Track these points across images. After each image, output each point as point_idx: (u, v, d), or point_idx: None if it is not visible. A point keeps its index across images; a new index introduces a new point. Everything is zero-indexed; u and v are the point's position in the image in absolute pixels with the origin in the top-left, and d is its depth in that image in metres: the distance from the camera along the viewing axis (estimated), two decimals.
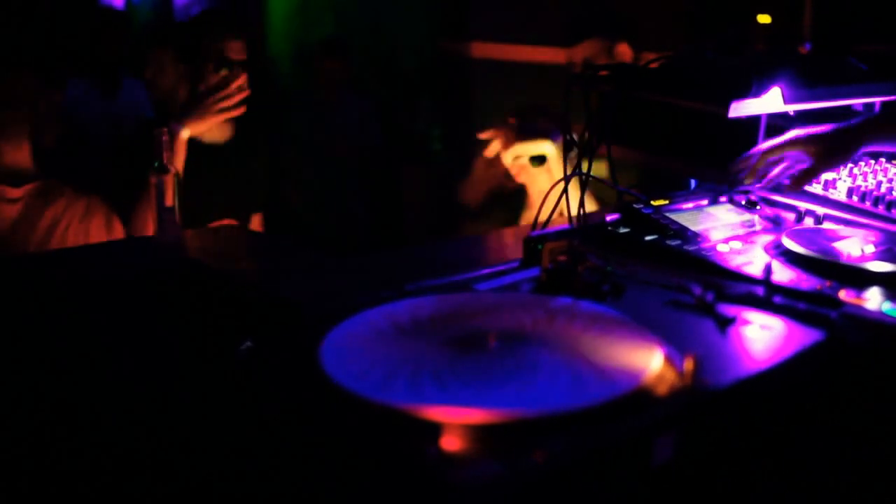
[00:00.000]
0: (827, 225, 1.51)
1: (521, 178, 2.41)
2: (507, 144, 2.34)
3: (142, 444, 0.90)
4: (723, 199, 1.59)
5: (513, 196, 2.47)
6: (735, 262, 1.28)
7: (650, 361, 0.92)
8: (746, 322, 1.08)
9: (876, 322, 1.07)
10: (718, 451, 0.96)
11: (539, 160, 2.35)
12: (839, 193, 1.61)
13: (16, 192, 2.18)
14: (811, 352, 1.02)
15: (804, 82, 1.61)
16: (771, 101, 1.57)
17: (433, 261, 1.72)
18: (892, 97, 1.82)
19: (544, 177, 2.33)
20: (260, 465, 0.81)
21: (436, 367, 0.90)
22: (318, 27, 5.10)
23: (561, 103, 1.65)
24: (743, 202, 1.58)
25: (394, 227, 4.46)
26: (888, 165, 1.79)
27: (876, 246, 1.34)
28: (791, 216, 1.54)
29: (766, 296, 1.14)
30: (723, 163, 1.65)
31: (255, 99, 2.76)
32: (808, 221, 1.52)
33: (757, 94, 1.53)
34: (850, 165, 1.74)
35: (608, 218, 1.46)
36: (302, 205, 3.88)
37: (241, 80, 2.56)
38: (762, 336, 1.05)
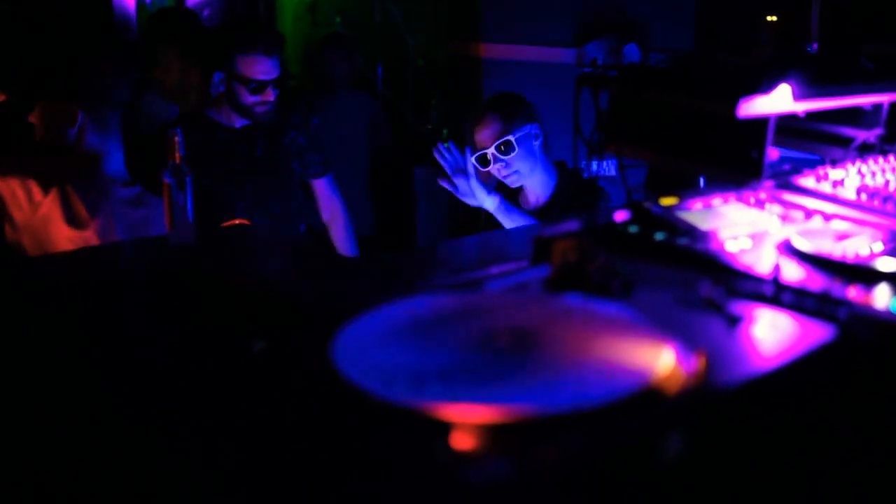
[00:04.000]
0: (835, 223, 1.51)
1: None
2: None
3: (154, 445, 0.91)
4: (732, 197, 1.60)
5: None
6: (744, 260, 1.29)
7: (660, 359, 0.92)
8: (755, 321, 1.09)
9: (884, 320, 1.08)
10: (728, 450, 0.96)
11: None
12: (847, 192, 1.61)
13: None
14: (820, 350, 1.03)
15: (813, 81, 1.61)
16: (780, 100, 1.57)
17: (444, 260, 1.73)
18: None
19: None
20: (272, 462, 0.82)
21: (447, 365, 0.91)
22: (327, 28, 5.11)
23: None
24: (752, 201, 1.59)
25: (404, 227, 4.46)
26: None
27: (884, 244, 1.34)
28: (800, 215, 1.55)
29: (775, 294, 1.15)
30: (732, 162, 1.65)
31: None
32: (817, 220, 1.53)
33: (765, 92, 1.53)
34: (857, 164, 1.74)
35: (618, 217, 1.46)
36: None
37: None
38: (771, 334, 1.06)
